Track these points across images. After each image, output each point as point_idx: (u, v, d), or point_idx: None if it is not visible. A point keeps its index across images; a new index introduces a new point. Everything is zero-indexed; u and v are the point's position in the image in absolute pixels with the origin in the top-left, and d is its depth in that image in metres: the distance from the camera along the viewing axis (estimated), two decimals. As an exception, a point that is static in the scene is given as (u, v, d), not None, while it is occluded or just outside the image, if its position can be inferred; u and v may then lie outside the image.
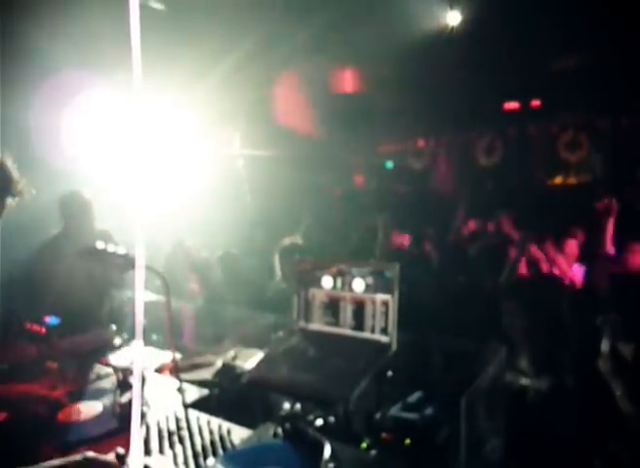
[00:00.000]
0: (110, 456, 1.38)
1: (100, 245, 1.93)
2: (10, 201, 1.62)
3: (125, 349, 2.43)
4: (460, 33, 6.09)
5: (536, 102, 7.40)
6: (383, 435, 1.55)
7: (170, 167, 4.33)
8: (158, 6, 4.36)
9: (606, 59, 6.10)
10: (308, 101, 6.87)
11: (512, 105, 7.54)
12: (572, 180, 7.48)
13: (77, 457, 1.35)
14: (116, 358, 2.30)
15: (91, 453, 1.37)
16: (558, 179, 7.58)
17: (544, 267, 3.72)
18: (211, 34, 4.47)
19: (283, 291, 3.49)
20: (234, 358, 2.19)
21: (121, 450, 1.38)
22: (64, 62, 3.68)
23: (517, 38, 5.78)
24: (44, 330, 2.41)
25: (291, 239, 3.85)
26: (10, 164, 1.60)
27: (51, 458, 1.46)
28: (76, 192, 3.38)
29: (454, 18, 6.08)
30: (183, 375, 2.04)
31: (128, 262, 1.90)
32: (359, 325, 1.99)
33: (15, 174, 1.61)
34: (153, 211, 2.75)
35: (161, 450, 1.55)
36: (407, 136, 8.69)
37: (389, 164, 8.97)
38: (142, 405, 1.73)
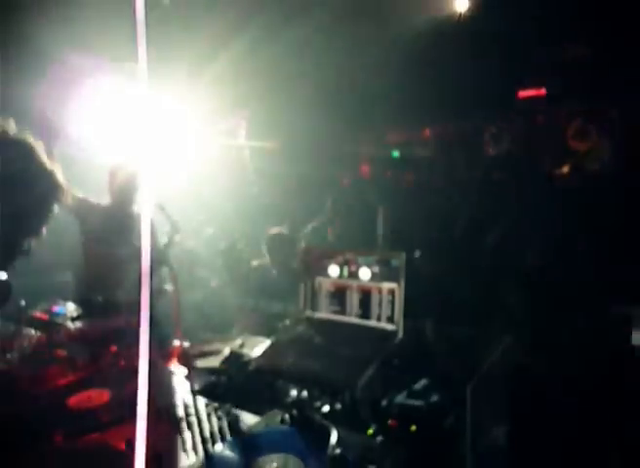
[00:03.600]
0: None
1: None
2: (56, 208, 1.64)
3: (134, 337, 2.45)
4: (468, 20, 6.03)
5: (544, 91, 7.32)
6: (389, 421, 1.57)
7: (176, 156, 4.34)
8: None
9: (616, 47, 6.02)
10: (311, 91, 6.83)
11: (520, 94, 7.47)
12: (580, 170, 7.41)
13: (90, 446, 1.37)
14: (125, 345, 2.32)
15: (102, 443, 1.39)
16: (566, 169, 7.52)
17: None
18: (217, 20, 4.45)
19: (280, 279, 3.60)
20: (242, 346, 2.21)
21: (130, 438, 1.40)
22: (68, 50, 3.68)
23: (526, 25, 5.72)
24: (52, 318, 2.44)
25: (278, 228, 4.00)
26: (59, 171, 1.62)
27: (61, 446, 1.49)
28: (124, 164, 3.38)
29: (461, 4, 6.02)
30: (191, 363, 2.07)
31: (137, 252, 1.91)
32: (365, 313, 2.01)
33: (62, 180, 1.63)
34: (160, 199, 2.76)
35: (170, 437, 1.57)
36: (413, 126, 8.63)
37: (396, 153, 8.92)
38: (151, 392, 1.75)
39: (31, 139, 1.58)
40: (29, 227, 1.60)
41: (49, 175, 1.60)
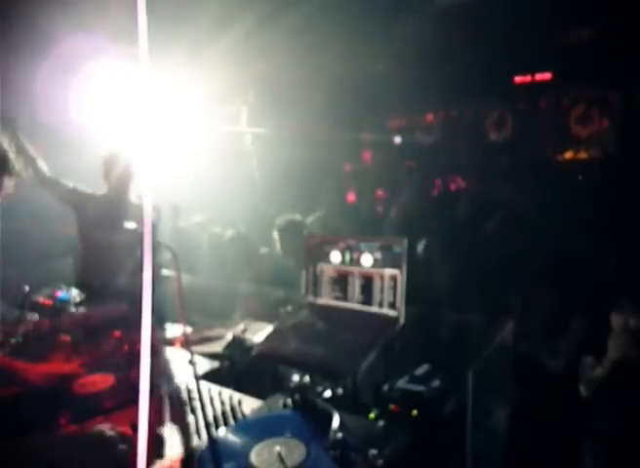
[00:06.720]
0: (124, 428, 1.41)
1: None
2: (7, 181, 1.63)
3: (137, 322, 2.46)
4: (471, 5, 5.95)
5: (547, 76, 7.26)
6: (391, 406, 1.58)
7: (177, 141, 4.32)
8: None
9: (619, 32, 5.95)
10: (314, 77, 6.77)
11: (523, 79, 7.40)
12: (582, 155, 7.38)
13: (94, 430, 1.38)
14: (128, 331, 2.33)
15: (106, 427, 1.41)
16: (569, 154, 7.48)
17: None
18: (218, 2, 4.39)
19: (286, 266, 3.55)
20: (244, 331, 2.22)
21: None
22: (68, 30, 3.65)
23: (529, 9, 5.64)
24: (56, 304, 2.45)
25: (289, 215, 3.89)
26: (5, 145, 1.60)
27: (66, 429, 1.50)
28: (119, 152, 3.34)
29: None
30: (194, 348, 2.08)
31: (137, 236, 1.90)
32: (367, 299, 2.01)
33: (10, 154, 1.62)
34: (161, 184, 2.75)
35: (174, 421, 1.59)
36: (415, 111, 8.57)
37: (398, 139, 8.88)
38: (155, 376, 1.76)
39: None
40: None
41: None
